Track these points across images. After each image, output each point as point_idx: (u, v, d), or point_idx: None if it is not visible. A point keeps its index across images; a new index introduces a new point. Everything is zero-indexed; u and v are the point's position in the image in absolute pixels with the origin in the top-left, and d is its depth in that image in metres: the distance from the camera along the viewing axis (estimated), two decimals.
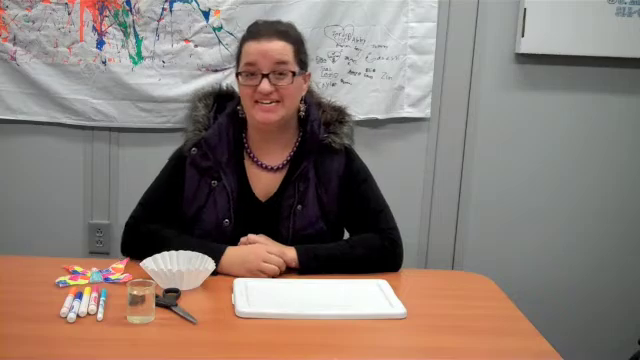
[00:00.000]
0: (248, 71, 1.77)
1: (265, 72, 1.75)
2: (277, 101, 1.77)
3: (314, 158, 1.84)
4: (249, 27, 1.86)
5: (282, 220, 1.82)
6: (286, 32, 1.81)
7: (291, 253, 1.75)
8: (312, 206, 1.83)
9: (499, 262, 2.69)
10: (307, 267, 1.74)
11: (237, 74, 1.81)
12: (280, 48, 1.77)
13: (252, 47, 1.77)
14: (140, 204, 1.90)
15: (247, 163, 1.88)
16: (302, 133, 1.87)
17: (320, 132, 1.84)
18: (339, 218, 1.87)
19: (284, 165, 1.87)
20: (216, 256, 1.68)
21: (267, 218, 1.82)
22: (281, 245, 1.77)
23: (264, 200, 1.85)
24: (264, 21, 1.88)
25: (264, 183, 1.86)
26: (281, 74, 1.76)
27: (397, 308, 1.53)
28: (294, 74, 1.77)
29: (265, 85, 1.75)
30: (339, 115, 1.89)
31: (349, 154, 1.89)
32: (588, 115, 2.72)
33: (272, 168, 1.86)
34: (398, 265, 1.83)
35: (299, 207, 1.82)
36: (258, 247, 1.74)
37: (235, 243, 1.77)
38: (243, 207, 1.83)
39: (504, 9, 2.61)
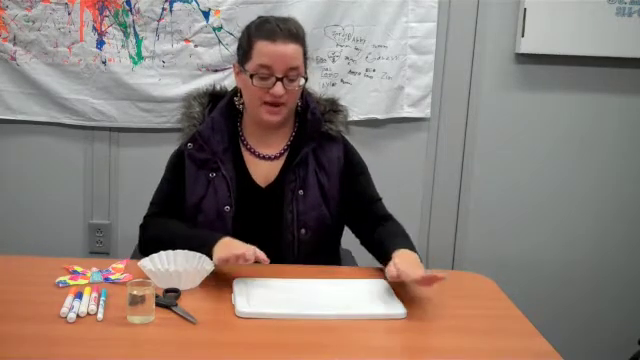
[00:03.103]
0: (261, 73, 1.77)
1: (279, 76, 1.76)
2: (283, 104, 1.79)
3: (313, 145, 1.86)
4: (261, 24, 1.82)
5: (285, 205, 1.83)
6: (297, 34, 1.81)
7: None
8: (313, 191, 1.85)
9: (499, 262, 2.69)
10: None
11: (250, 75, 1.77)
12: (295, 52, 1.77)
13: (267, 48, 1.76)
14: (151, 204, 1.94)
15: (244, 152, 1.90)
16: (299, 123, 1.90)
17: (322, 118, 1.87)
18: (340, 205, 1.89)
19: (281, 154, 1.89)
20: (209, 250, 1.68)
21: (268, 204, 1.84)
22: None
23: (264, 186, 1.87)
24: (276, 19, 1.84)
25: (263, 170, 1.88)
26: (293, 79, 1.78)
27: (397, 308, 1.53)
28: (305, 79, 1.80)
29: (279, 89, 1.76)
30: (332, 105, 1.92)
31: (346, 143, 1.93)
32: (588, 115, 2.72)
33: (269, 157, 1.89)
34: None
35: (300, 192, 1.84)
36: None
37: (237, 229, 1.78)
38: (243, 194, 1.85)
39: (504, 9, 2.61)
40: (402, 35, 2.58)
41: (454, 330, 1.48)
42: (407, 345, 1.44)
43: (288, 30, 1.79)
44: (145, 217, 1.93)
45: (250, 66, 1.78)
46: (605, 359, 2.75)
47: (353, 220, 1.93)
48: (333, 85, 2.58)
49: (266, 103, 1.78)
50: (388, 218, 1.91)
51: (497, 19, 2.62)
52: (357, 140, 1.97)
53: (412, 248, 1.74)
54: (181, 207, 1.88)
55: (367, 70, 2.60)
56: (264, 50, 1.77)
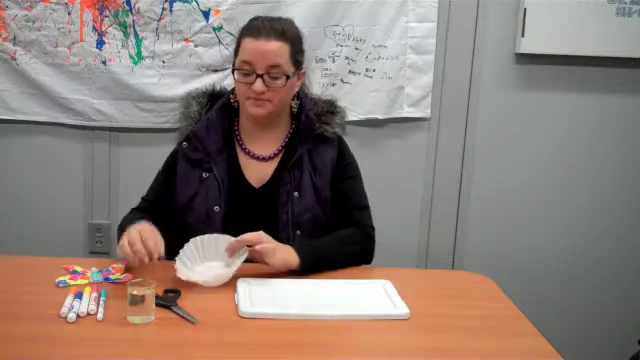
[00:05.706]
0: (244, 69, 1.79)
1: (260, 72, 1.77)
2: (268, 100, 1.79)
3: (309, 147, 1.87)
4: (250, 21, 1.87)
5: (280, 206, 1.84)
6: (284, 31, 1.81)
7: (293, 257, 1.72)
8: (308, 193, 1.85)
9: (499, 262, 2.69)
10: (307, 267, 1.72)
11: (234, 70, 1.83)
12: (277, 49, 1.78)
13: (250, 44, 1.79)
14: (141, 198, 1.96)
15: (239, 153, 1.90)
16: (295, 124, 1.90)
17: (317, 119, 1.88)
18: (331, 205, 1.89)
19: (276, 155, 1.90)
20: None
21: (262, 205, 1.85)
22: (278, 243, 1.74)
23: (258, 187, 1.88)
24: (264, 17, 1.88)
25: (257, 171, 1.89)
26: (275, 77, 1.78)
27: (400, 309, 1.53)
28: (288, 77, 1.80)
29: (258, 85, 1.77)
30: (330, 106, 1.93)
31: (342, 145, 1.93)
32: (588, 115, 2.72)
33: (264, 158, 1.89)
34: (369, 261, 1.88)
35: (295, 194, 1.84)
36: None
37: (226, 229, 1.78)
38: (236, 194, 1.85)
39: (504, 9, 2.61)
40: (402, 35, 2.58)
41: (454, 330, 1.48)
42: (407, 345, 1.44)
43: (272, 27, 1.80)
44: (131, 208, 1.94)
45: (237, 62, 1.82)
46: (605, 359, 2.75)
47: (335, 222, 1.91)
48: (333, 85, 2.58)
49: (250, 98, 1.80)
50: (362, 226, 1.89)
51: (497, 19, 2.62)
52: (357, 140, 1.98)
53: (317, 249, 1.74)
54: (168, 205, 1.89)
55: (367, 70, 2.60)
56: (247, 46, 1.80)
